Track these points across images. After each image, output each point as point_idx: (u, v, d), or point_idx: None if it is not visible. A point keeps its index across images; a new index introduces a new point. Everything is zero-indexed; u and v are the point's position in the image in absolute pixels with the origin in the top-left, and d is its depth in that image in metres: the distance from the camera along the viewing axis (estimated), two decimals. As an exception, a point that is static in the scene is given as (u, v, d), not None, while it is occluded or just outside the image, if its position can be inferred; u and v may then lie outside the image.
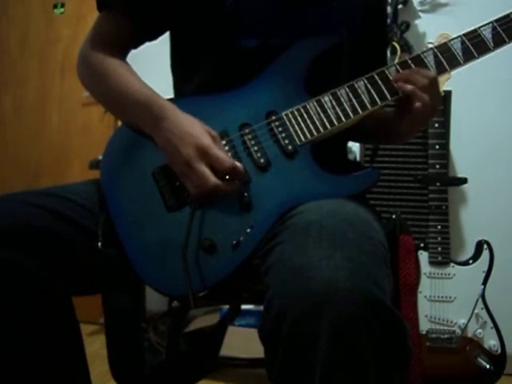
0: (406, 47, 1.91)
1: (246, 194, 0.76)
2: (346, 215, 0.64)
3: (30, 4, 2.53)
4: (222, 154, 0.75)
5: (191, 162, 0.74)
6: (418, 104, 0.78)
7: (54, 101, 2.50)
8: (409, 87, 0.79)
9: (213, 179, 0.74)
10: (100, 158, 0.85)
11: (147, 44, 0.94)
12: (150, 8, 0.87)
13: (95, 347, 1.71)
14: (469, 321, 1.50)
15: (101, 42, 0.89)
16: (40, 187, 0.82)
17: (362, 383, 0.56)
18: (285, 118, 0.80)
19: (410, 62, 0.83)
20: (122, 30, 0.89)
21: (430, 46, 0.85)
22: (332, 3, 0.87)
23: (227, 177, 0.75)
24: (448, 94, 1.76)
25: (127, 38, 0.90)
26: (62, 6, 2.46)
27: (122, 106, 0.85)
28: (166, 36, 0.96)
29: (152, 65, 1.48)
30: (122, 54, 0.91)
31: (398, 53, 1.88)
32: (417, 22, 2.01)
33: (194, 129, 0.77)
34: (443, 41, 0.83)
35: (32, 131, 2.52)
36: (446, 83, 1.64)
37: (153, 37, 0.93)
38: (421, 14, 2.01)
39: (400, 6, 1.97)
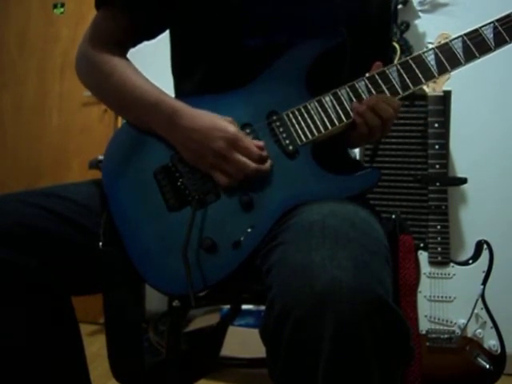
0: (406, 47, 1.91)
1: (247, 194, 0.76)
2: (347, 215, 0.64)
3: (30, 4, 2.53)
4: (251, 142, 0.77)
5: (225, 153, 0.76)
6: (359, 120, 0.79)
7: (53, 101, 2.50)
8: (362, 108, 0.78)
9: (253, 164, 0.75)
10: (100, 157, 0.85)
11: (145, 43, 0.93)
12: (150, 6, 0.86)
13: (95, 347, 1.71)
14: (468, 321, 1.50)
15: (101, 40, 0.88)
16: (40, 187, 0.82)
17: (365, 383, 0.56)
18: (285, 117, 0.80)
19: (410, 61, 0.82)
20: (121, 28, 0.88)
21: (430, 46, 0.85)
22: (333, 2, 0.87)
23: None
24: (448, 94, 1.76)
25: (126, 35, 0.89)
26: (62, 5, 2.46)
27: (128, 105, 0.84)
28: (164, 35, 0.95)
29: (148, 65, 1.47)
30: (123, 52, 0.90)
31: (398, 53, 1.88)
32: (417, 22, 2.01)
33: (216, 123, 0.77)
34: (443, 41, 0.83)
35: (32, 131, 2.51)
36: (446, 83, 1.64)
37: (151, 35, 0.93)
38: (421, 13, 2.01)
39: (400, 6, 1.97)
